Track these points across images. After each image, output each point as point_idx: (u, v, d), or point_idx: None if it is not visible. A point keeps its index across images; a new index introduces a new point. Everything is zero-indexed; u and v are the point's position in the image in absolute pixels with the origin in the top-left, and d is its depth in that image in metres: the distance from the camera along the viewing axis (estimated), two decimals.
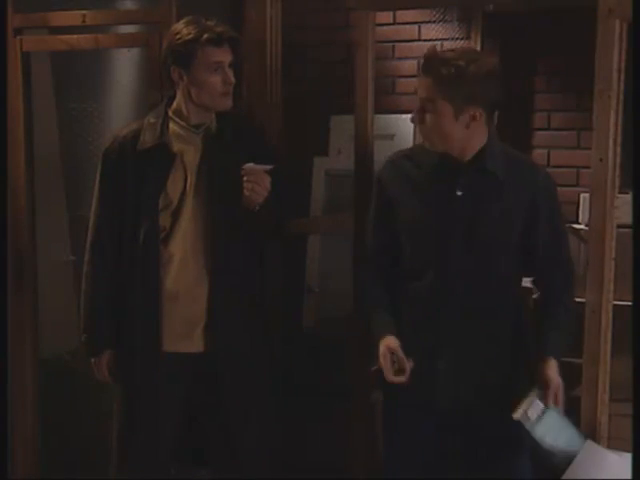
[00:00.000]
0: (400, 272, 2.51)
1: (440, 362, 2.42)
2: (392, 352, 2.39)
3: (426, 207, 2.44)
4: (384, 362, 2.40)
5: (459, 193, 2.40)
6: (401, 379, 2.37)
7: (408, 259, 2.49)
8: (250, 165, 2.53)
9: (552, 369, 2.39)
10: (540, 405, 2.35)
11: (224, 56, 2.58)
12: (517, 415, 2.31)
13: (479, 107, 2.35)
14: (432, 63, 2.35)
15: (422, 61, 2.40)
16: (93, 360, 2.72)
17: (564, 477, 2.32)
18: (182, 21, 2.62)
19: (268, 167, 2.53)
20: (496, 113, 2.53)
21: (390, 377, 2.39)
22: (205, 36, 2.54)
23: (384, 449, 2.62)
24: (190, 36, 2.54)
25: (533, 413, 2.34)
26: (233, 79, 2.60)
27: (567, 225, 2.55)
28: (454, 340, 2.42)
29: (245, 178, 2.53)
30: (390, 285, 2.53)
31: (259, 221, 2.62)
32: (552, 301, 2.47)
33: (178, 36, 2.56)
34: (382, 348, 2.41)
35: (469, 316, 2.41)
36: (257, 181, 2.52)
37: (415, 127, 3.85)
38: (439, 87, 2.33)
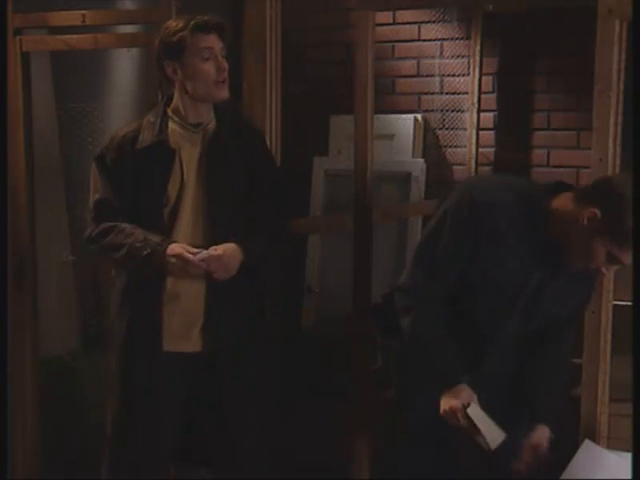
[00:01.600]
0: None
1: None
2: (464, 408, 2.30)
3: (504, 265, 2.31)
4: (458, 410, 2.29)
5: (539, 276, 2.34)
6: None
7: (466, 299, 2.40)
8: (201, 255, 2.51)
9: (542, 436, 2.40)
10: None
11: (213, 42, 2.57)
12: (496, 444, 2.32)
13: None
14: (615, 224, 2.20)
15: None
16: None
17: (563, 477, 2.32)
18: (172, 19, 2.65)
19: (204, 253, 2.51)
20: None
21: (462, 422, 2.29)
22: (192, 23, 2.55)
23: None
24: (178, 26, 2.56)
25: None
26: (226, 65, 2.60)
27: None
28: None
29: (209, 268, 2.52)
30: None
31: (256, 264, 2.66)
32: (549, 369, 2.47)
33: (167, 30, 2.58)
34: (461, 398, 2.29)
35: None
36: (217, 268, 2.53)
37: (415, 127, 3.89)
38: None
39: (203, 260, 2.51)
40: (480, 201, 2.26)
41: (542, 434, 2.41)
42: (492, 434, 2.30)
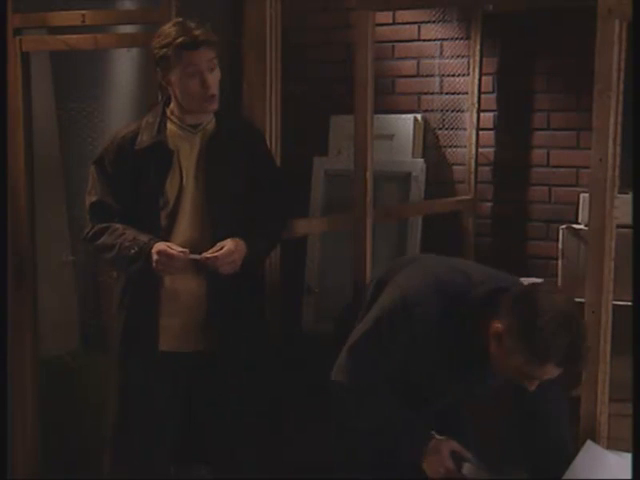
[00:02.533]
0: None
1: None
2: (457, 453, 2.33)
3: (441, 364, 2.35)
4: (449, 465, 2.30)
5: (480, 377, 2.40)
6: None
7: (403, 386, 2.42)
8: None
9: None
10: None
11: (200, 60, 2.53)
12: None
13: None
14: (569, 355, 2.15)
15: (558, 354, 2.14)
16: None
17: (564, 477, 2.32)
18: (169, 23, 2.61)
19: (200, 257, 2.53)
20: None
21: (452, 471, 2.31)
22: (178, 40, 2.50)
23: None
24: (165, 41, 2.53)
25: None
26: (213, 82, 2.57)
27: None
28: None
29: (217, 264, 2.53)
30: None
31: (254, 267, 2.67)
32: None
33: (157, 40, 2.56)
34: (443, 452, 2.30)
35: None
36: (226, 263, 2.53)
37: (415, 127, 3.88)
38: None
39: (216, 258, 2.52)
40: (413, 302, 2.28)
41: None
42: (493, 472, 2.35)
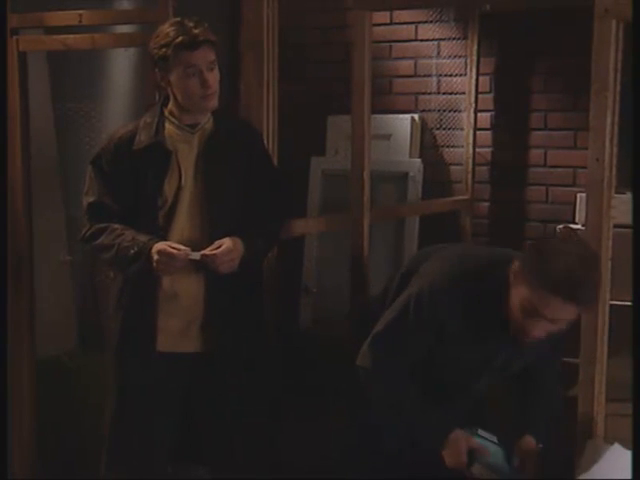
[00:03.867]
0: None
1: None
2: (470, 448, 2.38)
3: (469, 349, 2.38)
4: (462, 458, 2.37)
5: (504, 352, 2.40)
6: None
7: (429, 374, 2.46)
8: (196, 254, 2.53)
9: (529, 444, 2.45)
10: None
11: (199, 59, 2.52)
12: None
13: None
14: (576, 290, 2.17)
15: (565, 286, 2.15)
16: None
17: (586, 477, 2.32)
18: (167, 23, 2.60)
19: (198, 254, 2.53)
20: None
21: (465, 468, 2.38)
22: (178, 40, 2.50)
23: None
24: (164, 41, 2.52)
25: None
26: (213, 81, 2.56)
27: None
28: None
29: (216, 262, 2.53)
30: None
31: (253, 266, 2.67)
32: (545, 393, 2.54)
33: (155, 40, 2.55)
34: (461, 447, 2.36)
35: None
36: (224, 261, 2.53)
37: (412, 127, 3.89)
38: (575, 311, 2.21)
39: (215, 256, 2.52)
40: (440, 289, 2.33)
41: (528, 444, 2.45)
42: (504, 475, 2.39)
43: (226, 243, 2.54)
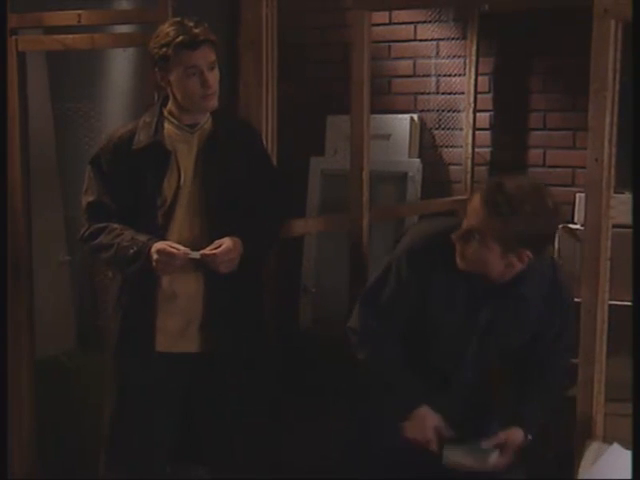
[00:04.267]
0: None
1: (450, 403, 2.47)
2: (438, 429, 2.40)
3: (451, 307, 2.40)
4: (428, 434, 2.39)
5: (485, 311, 2.40)
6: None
7: (420, 341, 2.48)
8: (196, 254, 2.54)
9: (513, 437, 2.42)
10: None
11: (200, 59, 2.53)
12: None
13: (529, 249, 2.28)
14: (495, 197, 2.24)
15: (486, 191, 2.27)
16: None
17: (585, 477, 2.32)
18: (166, 23, 2.60)
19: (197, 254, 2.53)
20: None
21: (433, 445, 2.40)
22: (178, 39, 2.50)
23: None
24: (164, 40, 2.52)
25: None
26: (213, 81, 2.57)
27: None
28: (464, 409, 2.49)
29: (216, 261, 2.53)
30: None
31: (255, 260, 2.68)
32: (542, 376, 2.52)
33: (156, 40, 2.55)
34: (427, 423, 2.40)
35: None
36: (224, 261, 2.54)
37: (411, 127, 3.89)
38: (494, 224, 2.23)
39: (215, 255, 2.52)
40: (417, 249, 2.41)
41: (513, 435, 2.43)
42: (478, 460, 2.37)
43: (226, 243, 2.54)
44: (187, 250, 2.52)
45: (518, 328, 2.47)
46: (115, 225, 2.60)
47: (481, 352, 2.48)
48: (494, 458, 2.39)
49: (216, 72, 2.58)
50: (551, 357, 2.53)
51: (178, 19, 2.59)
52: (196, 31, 2.52)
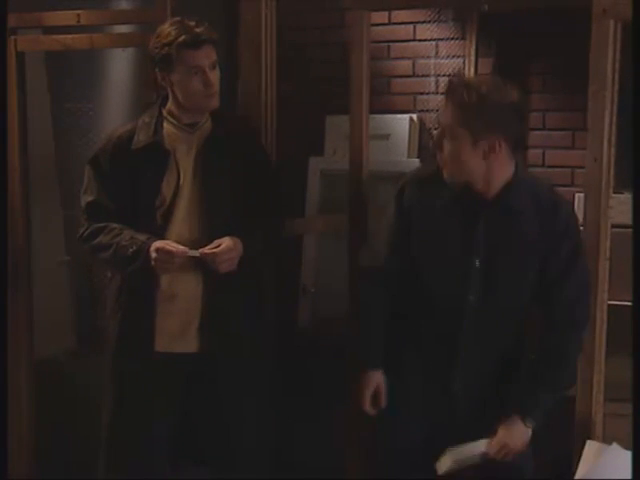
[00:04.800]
0: (409, 297, 2.51)
1: (454, 385, 2.45)
2: (377, 391, 2.51)
3: (445, 240, 2.41)
4: (366, 395, 2.52)
5: (480, 230, 2.37)
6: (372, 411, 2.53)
7: (420, 286, 2.47)
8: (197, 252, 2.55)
9: (512, 432, 2.38)
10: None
11: (202, 58, 2.54)
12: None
13: (499, 137, 2.28)
14: (455, 88, 2.33)
15: (447, 86, 2.37)
16: None
17: (584, 477, 2.32)
18: (167, 23, 2.60)
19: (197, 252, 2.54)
20: (521, 148, 2.49)
21: (367, 407, 2.52)
22: (181, 39, 2.50)
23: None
24: (166, 40, 2.52)
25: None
26: (215, 80, 2.58)
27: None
28: (466, 364, 2.45)
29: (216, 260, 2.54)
30: (393, 305, 2.54)
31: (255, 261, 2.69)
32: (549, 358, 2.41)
33: (157, 40, 2.55)
34: (370, 383, 2.52)
35: (479, 341, 2.43)
36: (224, 260, 2.54)
37: (410, 127, 3.89)
38: (459, 113, 2.29)
39: (215, 254, 2.52)
40: (402, 185, 2.52)
41: (512, 429, 2.38)
42: (468, 456, 2.38)
43: (226, 242, 2.54)
44: (186, 248, 2.52)
45: (517, 250, 2.36)
46: (114, 225, 2.60)
47: (483, 290, 2.39)
48: (482, 447, 2.37)
49: (217, 71, 2.59)
50: (562, 325, 2.39)
51: (178, 19, 2.59)
52: (198, 30, 2.52)
